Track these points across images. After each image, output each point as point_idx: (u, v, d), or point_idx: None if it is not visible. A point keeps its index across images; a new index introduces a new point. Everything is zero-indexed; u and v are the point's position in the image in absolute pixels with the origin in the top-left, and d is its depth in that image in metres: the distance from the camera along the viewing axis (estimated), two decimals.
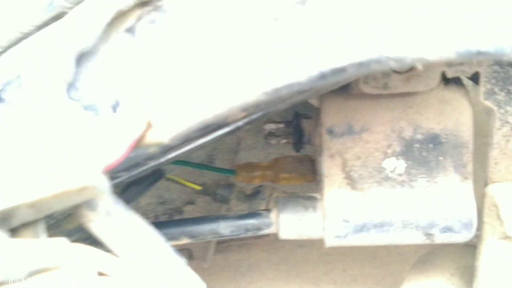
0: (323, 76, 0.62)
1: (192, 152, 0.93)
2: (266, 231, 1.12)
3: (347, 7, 0.64)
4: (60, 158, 0.61)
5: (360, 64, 0.62)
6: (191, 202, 1.71)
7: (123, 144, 0.65)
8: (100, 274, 0.62)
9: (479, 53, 0.62)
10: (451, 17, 0.62)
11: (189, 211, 1.71)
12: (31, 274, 0.59)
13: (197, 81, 0.66)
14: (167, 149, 0.79)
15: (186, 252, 1.57)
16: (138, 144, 0.66)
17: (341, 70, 0.62)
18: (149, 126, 0.67)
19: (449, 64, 1.00)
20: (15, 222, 0.63)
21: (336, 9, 0.64)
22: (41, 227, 0.66)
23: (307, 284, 1.76)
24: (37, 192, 0.60)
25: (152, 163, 0.86)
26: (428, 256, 1.30)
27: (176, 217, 1.71)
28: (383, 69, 0.63)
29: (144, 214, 1.70)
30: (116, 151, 0.64)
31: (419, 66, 0.63)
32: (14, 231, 0.64)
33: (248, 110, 0.67)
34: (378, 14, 0.63)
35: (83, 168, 0.61)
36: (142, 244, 0.69)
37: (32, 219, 0.64)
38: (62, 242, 0.61)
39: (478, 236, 1.10)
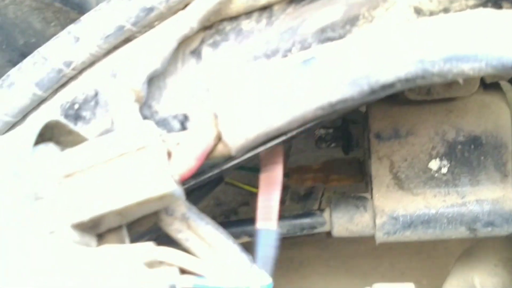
0: (373, 92, 0.68)
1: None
2: (320, 230, 1.18)
3: (393, 29, 0.70)
4: (141, 170, 0.67)
5: (407, 80, 0.67)
6: (245, 203, 1.77)
7: (196, 156, 0.71)
8: (182, 271, 0.68)
9: None
10: (487, 34, 0.67)
11: (244, 212, 1.77)
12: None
13: (259, 98, 0.72)
14: (230, 158, 0.86)
15: None
16: (208, 156, 0.73)
17: (390, 86, 0.68)
18: (218, 139, 0.73)
19: None
20: (102, 228, 0.70)
21: (384, 32, 0.70)
22: (125, 232, 0.72)
23: (357, 278, 1.80)
24: (124, 200, 0.66)
25: (216, 171, 0.92)
26: (472, 249, 1.33)
27: (232, 218, 1.77)
28: (427, 83, 0.68)
29: None
30: (189, 163, 0.71)
31: (460, 81, 0.68)
32: (100, 236, 0.71)
33: (306, 123, 0.73)
34: (420, 34, 0.69)
35: (162, 178, 0.67)
36: (214, 244, 0.75)
37: (117, 225, 0.71)
38: (149, 246, 0.67)
39: None
